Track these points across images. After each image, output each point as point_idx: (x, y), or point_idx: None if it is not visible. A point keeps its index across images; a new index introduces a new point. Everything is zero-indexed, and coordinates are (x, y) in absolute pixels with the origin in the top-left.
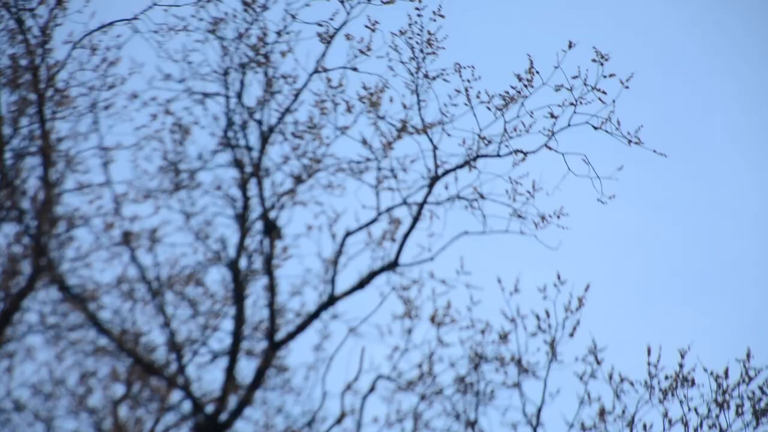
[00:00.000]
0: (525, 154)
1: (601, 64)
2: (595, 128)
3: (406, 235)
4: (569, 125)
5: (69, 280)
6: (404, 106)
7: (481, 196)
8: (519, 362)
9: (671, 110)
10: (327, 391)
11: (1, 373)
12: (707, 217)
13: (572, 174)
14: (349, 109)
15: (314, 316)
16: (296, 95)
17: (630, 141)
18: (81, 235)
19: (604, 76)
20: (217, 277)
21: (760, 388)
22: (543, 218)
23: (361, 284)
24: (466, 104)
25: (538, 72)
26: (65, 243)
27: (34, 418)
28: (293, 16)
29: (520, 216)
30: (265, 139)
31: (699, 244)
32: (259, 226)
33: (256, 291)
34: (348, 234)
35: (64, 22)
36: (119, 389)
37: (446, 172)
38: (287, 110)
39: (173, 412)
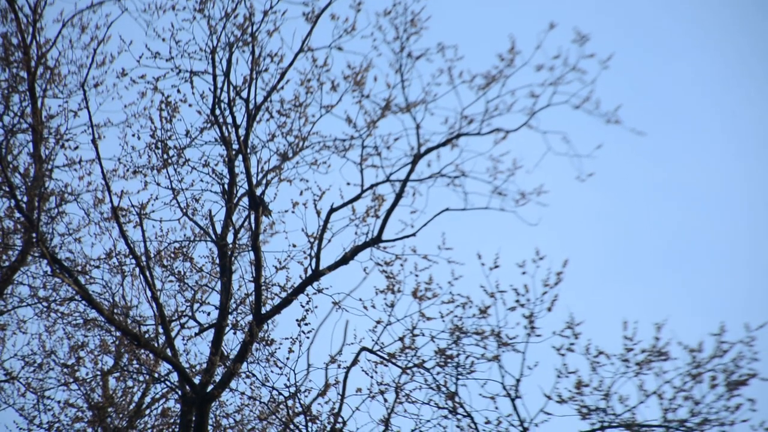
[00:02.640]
0: (506, 132)
1: (581, 45)
2: (575, 108)
3: (389, 212)
4: (549, 104)
5: (59, 255)
6: (388, 85)
7: (463, 174)
8: (498, 336)
9: (650, 89)
10: (311, 363)
11: None
12: (683, 194)
13: (552, 152)
14: (334, 88)
15: (299, 290)
16: (282, 74)
17: (609, 120)
18: (71, 211)
19: (584, 57)
20: (204, 252)
21: (733, 362)
22: (523, 195)
23: (345, 259)
24: (448, 83)
25: (519, 52)
26: (56, 218)
27: (25, 388)
28: None
29: (500, 193)
30: (251, 116)
31: (675, 220)
32: (245, 202)
33: (242, 266)
34: (332, 210)
35: (54, 1)
36: (108, 361)
37: (429, 150)
38: (273, 89)
39: (161, 384)
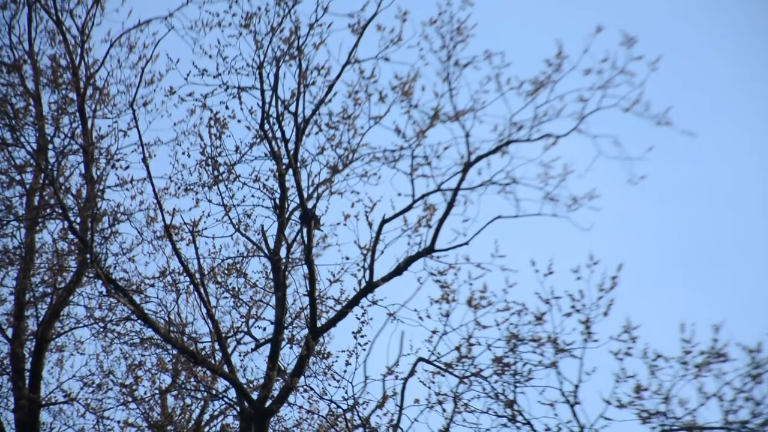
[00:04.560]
0: (556, 137)
1: (629, 47)
2: (625, 111)
3: (441, 221)
4: (599, 108)
5: (114, 274)
6: (436, 95)
7: (514, 181)
8: (555, 342)
9: (701, 88)
10: (368, 375)
11: (51, 366)
12: (739, 194)
13: (603, 156)
14: (382, 99)
15: (354, 302)
16: (330, 87)
17: (659, 122)
18: (124, 230)
19: (633, 59)
20: (258, 268)
21: None
22: (575, 200)
23: (399, 270)
24: (496, 91)
25: (566, 57)
26: (109, 238)
27: (85, 409)
28: (325, 9)
29: (552, 199)
30: (300, 130)
31: (729, 220)
32: (297, 216)
33: (296, 280)
34: (384, 221)
35: (101, 21)
36: (166, 379)
37: (479, 158)
38: (321, 102)
39: (219, 400)
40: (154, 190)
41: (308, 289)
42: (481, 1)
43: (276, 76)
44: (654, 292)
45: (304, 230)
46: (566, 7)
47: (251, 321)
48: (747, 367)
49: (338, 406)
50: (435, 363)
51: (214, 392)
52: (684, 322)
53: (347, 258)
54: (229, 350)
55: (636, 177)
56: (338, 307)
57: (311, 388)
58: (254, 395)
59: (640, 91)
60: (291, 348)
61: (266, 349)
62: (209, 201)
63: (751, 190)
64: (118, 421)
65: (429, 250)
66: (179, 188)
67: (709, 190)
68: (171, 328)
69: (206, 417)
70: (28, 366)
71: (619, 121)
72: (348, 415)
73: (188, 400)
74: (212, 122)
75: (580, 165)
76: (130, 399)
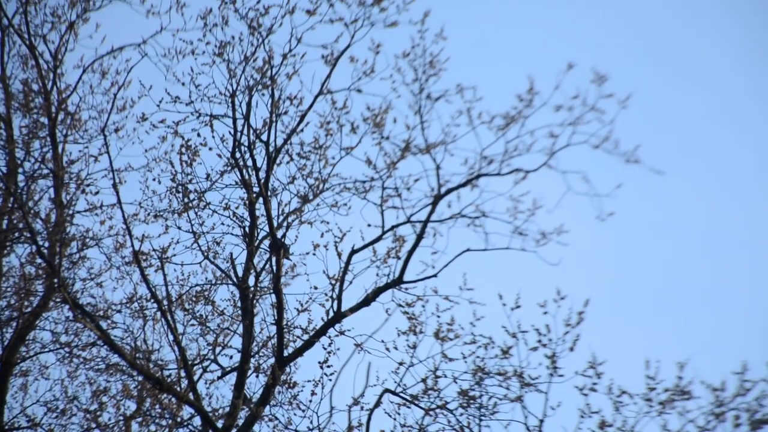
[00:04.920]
0: (526, 172)
1: (600, 85)
2: (594, 147)
3: (410, 253)
4: (569, 144)
5: (81, 299)
6: (407, 127)
7: (483, 214)
8: (521, 376)
9: (670, 125)
10: (334, 406)
11: (15, 391)
12: (709, 232)
13: (572, 192)
14: (353, 130)
15: (321, 332)
16: (302, 116)
17: (628, 159)
18: (92, 255)
19: (603, 97)
20: (226, 296)
21: (756, 400)
22: (543, 235)
23: (367, 301)
24: (467, 124)
25: (538, 93)
26: (77, 263)
27: None
28: (298, 39)
29: (521, 233)
30: (271, 159)
31: (697, 259)
32: (266, 245)
33: (264, 309)
34: (354, 252)
35: (75, 47)
36: (131, 406)
37: (449, 191)
38: (293, 131)
39: (184, 428)
40: (123, 216)
41: (276, 318)
42: (454, 35)
43: (248, 104)
44: (620, 328)
45: (273, 259)
46: (538, 43)
47: (218, 349)
48: (711, 405)
49: None
50: (401, 395)
51: (179, 420)
52: (649, 358)
53: (315, 288)
54: (195, 378)
55: (604, 213)
56: (305, 337)
57: (276, 418)
58: (219, 424)
59: (609, 129)
60: (257, 377)
61: (232, 378)
62: (179, 228)
63: (718, 229)
64: None
65: (397, 282)
66: (149, 214)
67: (677, 228)
68: (137, 355)
69: None
70: None
71: (589, 157)
72: None
73: (153, 427)
74: (183, 149)
75: (549, 200)
76: (94, 425)
